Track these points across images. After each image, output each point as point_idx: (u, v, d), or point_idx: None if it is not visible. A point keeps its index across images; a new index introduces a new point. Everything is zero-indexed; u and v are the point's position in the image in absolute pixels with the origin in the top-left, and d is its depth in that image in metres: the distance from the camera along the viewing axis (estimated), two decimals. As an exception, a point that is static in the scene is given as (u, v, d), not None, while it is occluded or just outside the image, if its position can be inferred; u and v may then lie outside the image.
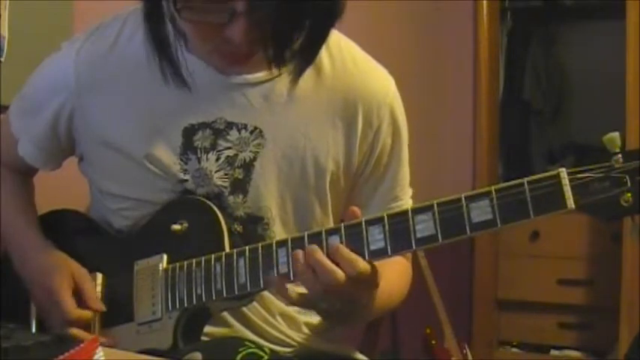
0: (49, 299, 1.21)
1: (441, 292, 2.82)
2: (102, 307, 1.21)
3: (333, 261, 1.02)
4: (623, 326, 2.95)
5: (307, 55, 1.13)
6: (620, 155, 0.93)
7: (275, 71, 1.19)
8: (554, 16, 3.76)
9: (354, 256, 1.02)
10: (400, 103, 1.29)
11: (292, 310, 1.28)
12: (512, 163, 3.69)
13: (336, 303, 1.06)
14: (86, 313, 1.20)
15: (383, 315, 1.25)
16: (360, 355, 1.38)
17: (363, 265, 1.02)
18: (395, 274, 1.26)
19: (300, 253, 1.04)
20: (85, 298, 1.21)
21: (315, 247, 1.04)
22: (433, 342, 2.90)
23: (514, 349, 3.41)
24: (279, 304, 1.26)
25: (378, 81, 1.27)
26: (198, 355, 1.01)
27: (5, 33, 1.62)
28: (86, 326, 1.21)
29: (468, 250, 3.37)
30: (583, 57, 3.75)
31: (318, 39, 1.11)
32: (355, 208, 1.06)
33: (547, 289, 3.30)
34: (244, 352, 1.04)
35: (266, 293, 1.23)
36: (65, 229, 1.33)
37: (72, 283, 1.21)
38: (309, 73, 1.20)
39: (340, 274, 1.01)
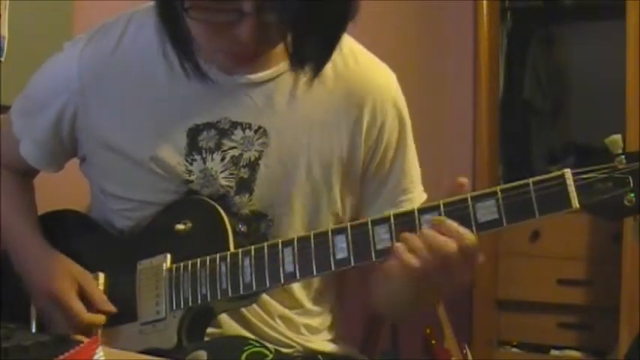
0: (56, 305, 1.21)
1: (441, 292, 2.81)
2: (112, 308, 1.20)
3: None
4: (623, 326, 2.94)
5: (322, 56, 1.13)
6: (623, 156, 0.94)
7: (278, 70, 1.18)
8: (554, 16, 3.75)
9: (461, 229, 1.00)
10: (403, 98, 1.29)
11: (291, 312, 1.28)
12: (512, 163, 3.68)
13: (440, 280, 1.04)
14: (98, 317, 1.19)
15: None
16: (360, 355, 1.38)
17: (470, 236, 1.00)
18: None
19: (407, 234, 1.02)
20: (93, 300, 1.20)
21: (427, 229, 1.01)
22: (433, 342, 2.89)
23: (514, 349, 3.41)
24: (278, 307, 1.27)
25: (380, 77, 1.27)
26: (203, 353, 1.01)
27: (5, 33, 1.62)
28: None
29: (468, 250, 3.36)
30: (583, 57, 3.75)
31: (332, 39, 1.10)
32: (463, 180, 1.03)
33: (547, 289, 3.29)
34: (249, 351, 1.04)
35: (265, 296, 1.23)
36: (66, 230, 1.33)
37: (76, 287, 1.21)
38: None
39: (452, 244, 1.00)
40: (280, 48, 1.13)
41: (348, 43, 1.26)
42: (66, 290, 1.20)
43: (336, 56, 1.23)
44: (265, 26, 1.02)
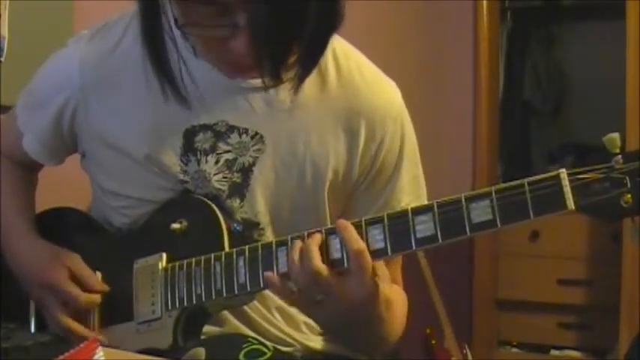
0: (51, 293, 1.22)
1: (441, 292, 2.82)
2: (105, 287, 1.22)
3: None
4: (623, 326, 2.95)
5: (307, 64, 1.12)
6: (620, 156, 0.93)
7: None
8: (554, 16, 3.76)
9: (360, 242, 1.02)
10: (406, 117, 1.27)
11: (292, 309, 1.28)
12: (512, 163, 3.69)
13: (331, 309, 1.06)
14: (95, 297, 1.21)
15: (382, 347, 1.26)
16: (360, 355, 1.38)
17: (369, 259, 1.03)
18: (400, 306, 1.24)
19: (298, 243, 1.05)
20: (84, 281, 1.21)
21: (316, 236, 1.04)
22: (433, 342, 2.90)
23: (514, 349, 3.41)
24: (278, 303, 1.26)
25: (384, 93, 1.25)
26: (201, 351, 1.01)
27: (5, 33, 1.62)
28: (85, 324, 1.22)
29: (468, 250, 3.37)
30: (583, 57, 3.75)
31: (317, 48, 1.11)
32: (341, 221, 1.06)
33: (547, 289, 3.29)
34: (247, 349, 1.05)
35: (266, 292, 1.23)
36: (65, 227, 1.33)
37: (67, 272, 1.22)
38: (314, 82, 1.20)
39: (321, 265, 1.02)
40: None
41: (356, 56, 1.25)
42: (59, 277, 1.21)
43: (341, 68, 1.22)
44: (260, 38, 1.01)
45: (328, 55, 1.20)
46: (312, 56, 1.11)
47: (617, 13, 3.03)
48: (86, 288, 1.22)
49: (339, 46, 1.23)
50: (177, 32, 1.09)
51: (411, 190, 1.28)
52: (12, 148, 1.35)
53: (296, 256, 1.04)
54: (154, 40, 1.12)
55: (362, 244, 1.02)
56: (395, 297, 1.17)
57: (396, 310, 1.19)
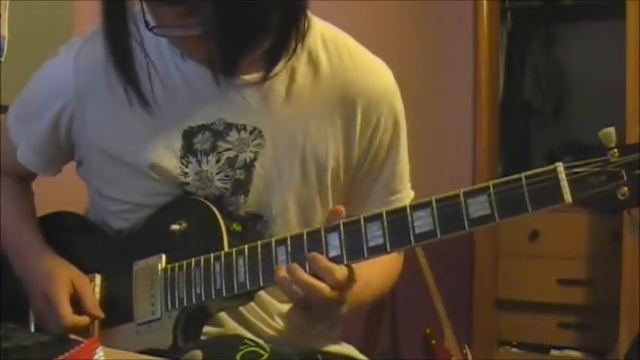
0: (47, 306, 1.21)
1: (441, 292, 2.82)
2: (100, 315, 1.21)
3: (311, 270, 1.05)
4: (623, 326, 2.94)
5: (272, 58, 1.14)
6: (616, 150, 0.94)
7: (273, 70, 1.19)
8: (554, 16, 3.76)
9: (331, 265, 1.05)
10: (399, 96, 1.28)
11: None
12: (512, 163, 3.69)
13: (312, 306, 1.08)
14: (82, 320, 1.20)
15: (362, 309, 1.27)
16: (360, 355, 1.38)
17: (341, 273, 1.05)
18: (377, 267, 1.24)
19: (282, 271, 1.07)
20: (84, 304, 1.21)
21: (295, 266, 1.06)
22: (433, 342, 2.90)
23: (514, 349, 3.41)
24: (276, 305, 1.26)
25: (375, 75, 1.26)
26: (198, 353, 1.01)
27: (5, 33, 1.62)
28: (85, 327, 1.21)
29: (468, 250, 3.37)
30: (583, 57, 3.75)
31: (282, 42, 1.12)
32: (338, 207, 1.08)
33: (547, 289, 3.29)
34: (244, 351, 1.05)
35: (263, 293, 1.23)
36: (64, 231, 1.33)
37: (70, 289, 1.21)
38: (307, 71, 1.21)
39: (325, 288, 1.04)
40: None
41: (344, 41, 1.26)
42: (59, 293, 1.20)
43: (332, 54, 1.23)
44: (213, 35, 1.03)
45: (318, 43, 1.21)
46: (277, 50, 1.13)
47: (617, 13, 3.03)
48: (82, 310, 1.21)
49: (327, 32, 1.23)
50: (148, 35, 1.10)
51: (406, 173, 1.30)
52: (6, 161, 1.35)
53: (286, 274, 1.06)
54: (117, 43, 1.13)
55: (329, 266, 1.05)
56: (370, 274, 1.20)
57: (374, 288, 1.25)
